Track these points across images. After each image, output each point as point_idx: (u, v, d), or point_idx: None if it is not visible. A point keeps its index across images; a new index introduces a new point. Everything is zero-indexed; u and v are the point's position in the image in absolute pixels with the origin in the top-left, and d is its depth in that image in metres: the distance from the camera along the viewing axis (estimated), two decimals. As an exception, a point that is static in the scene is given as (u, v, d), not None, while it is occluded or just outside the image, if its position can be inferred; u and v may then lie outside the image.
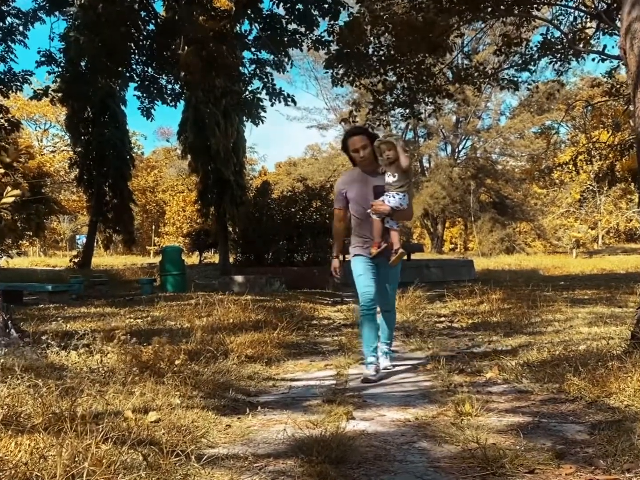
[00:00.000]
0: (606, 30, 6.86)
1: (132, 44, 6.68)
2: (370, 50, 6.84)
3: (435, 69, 7.14)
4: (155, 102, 7.32)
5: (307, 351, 2.98)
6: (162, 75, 7.23)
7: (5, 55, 7.53)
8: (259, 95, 7.24)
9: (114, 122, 12.93)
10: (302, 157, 33.19)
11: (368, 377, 2.21)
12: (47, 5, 6.79)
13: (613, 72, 8.02)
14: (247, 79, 7.26)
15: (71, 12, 7.78)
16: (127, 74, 7.09)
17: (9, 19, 7.21)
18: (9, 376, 1.73)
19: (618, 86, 8.27)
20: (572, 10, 7.14)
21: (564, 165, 11.76)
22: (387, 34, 6.57)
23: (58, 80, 7.83)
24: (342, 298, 6.04)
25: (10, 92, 7.96)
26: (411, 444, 1.45)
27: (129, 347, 2.25)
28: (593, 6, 6.80)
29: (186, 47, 5.98)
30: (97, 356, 2.25)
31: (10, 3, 7.16)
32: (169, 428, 1.45)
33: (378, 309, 2.35)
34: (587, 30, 7.17)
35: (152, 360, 2.11)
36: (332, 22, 6.64)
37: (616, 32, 6.33)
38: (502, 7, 6.19)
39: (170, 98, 7.35)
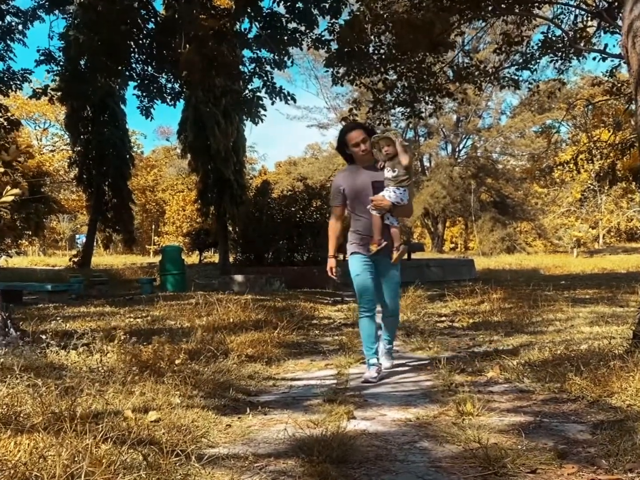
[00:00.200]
0: (607, 28, 6.85)
1: (132, 43, 6.66)
2: (371, 49, 6.83)
3: (436, 68, 7.12)
4: (155, 101, 7.31)
5: (308, 351, 2.98)
6: (161, 74, 7.21)
7: (4, 54, 7.51)
8: (258, 94, 7.23)
9: (113, 121, 12.92)
10: (302, 157, 33.24)
11: (369, 379, 2.19)
12: (47, 3, 6.77)
13: (614, 71, 8.00)
14: (247, 77, 7.25)
15: (71, 11, 7.76)
16: (127, 73, 7.07)
17: (8, 17, 7.19)
18: (9, 375, 1.73)
19: (619, 85, 8.25)
20: (573, 9, 7.12)
21: (564, 165, 11.75)
22: (387, 32, 6.56)
23: (57, 79, 7.81)
24: (342, 297, 6.04)
25: (9, 91, 7.94)
26: (412, 444, 1.45)
27: (129, 346, 2.24)
28: (594, 5, 6.78)
29: (187, 46, 5.97)
30: (97, 356, 2.25)
31: (10, 2, 7.14)
32: (169, 428, 1.44)
33: (378, 308, 2.32)
34: (588, 29, 7.15)
35: (152, 360, 2.10)
36: (332, 21, 6.62)
37: (617, 30, 6.32)
38: (502, 5, 6.17)
39: (169, 97, 7.33)
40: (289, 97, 7.15)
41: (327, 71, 7.23)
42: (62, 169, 22.74)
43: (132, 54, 6.90)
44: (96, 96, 8.66)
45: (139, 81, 7.17)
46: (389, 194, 2.18)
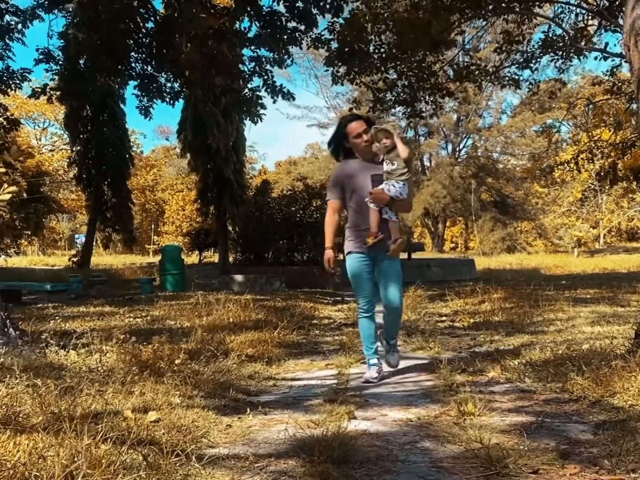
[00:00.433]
0: (608, 27, 6.83)
1: (132, 42, 6.64)
2: (371, 48, 6.81)
3: (436, 67, 7.11)
4: (154, 100, 7.30)
5: (308, 350, 2.97)
6: (161, 73, 7.19)
7: (4, 53, 7.49)
8: (258, 93, 7.22)
9: (113, 121, 12.91)
10: (302, 156, 33.26)
11: (369, 379, 2.17)
12: (46, 2, 6.75)
13: (615, 70, 7.99)
14: (247, 76, 7.23)
15: (70, 10, 7.74)
16: (127, 72, 7.06)
17: (7, 16, 7.17)
18: (8, 375, 1.72)
19: (620, 84, 8.24)
20: (574, 8, 7.10)
21: (565, 164, 11.74)
22: (388, 31, 6.54)
23: (56, 78, 7.79)
24: (342, 297, 6.03)
25: (9, 90, 7.92)
26: (413, 444, 1.44)
27: (129, 346, 2.23)
28: (595, 3, 6.76)
29: (188, 45, 5.95)
30: (96, 355, 2.24)
31: (9, 1, 7.12)
32: (169, 428, 1.44)
33: (379, 308, 2.29)
34: (589, 28, 7.13)
35: (152, 360, 2.09)
36: (333, 20, 6.61)
37: (618, 29, 6.30)
38: (503, 4, 6.16)
39: (169, 96, 7.32)
40: (288, 96, 7.14)
41: (327, 70, 7.22)
42: (62, 169, 22.75)
43: (132, 53, 6.89)
44: (95, 95, 8.65)
45: (138, 80, 7.16)
46: (388, 188, 2.12)
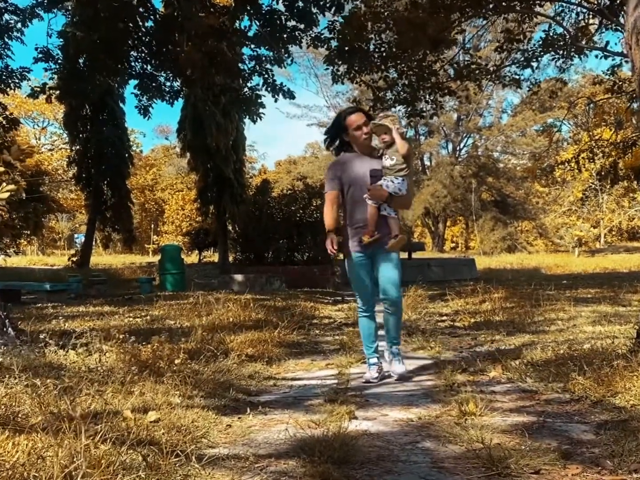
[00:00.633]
0: (609, 26, 6.82)
1: (131, 41, 6.63)
2: (372, 47, 6.80)
3: (437, 66, 7.09)
4: (154, 99, 7.28)
5: (308, 350, 2.96)
6: (161, 72, 7.18)
7: (2, 52, 7.47)
8: (257, 92, 7.20)
9: (112, 120, 12.89)
10: (302, 155, 33.28)
11: (370, 379, 2.16)
12: (45, 1, 6.74)
13: (615, 69, 7.98)
14: (246, 75, 7.22)
15: (69, 8, 7.72)
16: (126, 71, 7.04)
17: (6, 15, 7.15)
18: (7, 376, 1.71)
19: (620, 83, 8.23)
20: (575, 7, 7.09)
21: (566, 164, 11.74)
22: (388, 30, 6.53)
23: (56, 77, 7.78)
24: (342, 297, 6.03)
25: (8, 89, 7.90)
26: (415, 444, 1.43)
27: (128, 346, 2.22)
28: (596, 2, 6.75)
29: (189, 44, 5.94)
30: (96, 355, 2.24)
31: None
32: (168, 428, 1.43)
33: (379, 307, 2.28)
34: (589, 27, 7.12)
35: (152, 360, 2.09)
36: (333, 20, 6.59)
37: (619, 28, 6.29)
38: (503, 3, 6.14)
39: (168, 95, 7.31)
40: (289, 94, 7.13)
41: (327, 69, 7.20)
42: (61, 168, 22.74)
43: (131, 52, 6.87)
44: (95, 95, 8.63)
45: (138, 80, 7.14)
46: (386, 184, 2.06)
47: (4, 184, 1.74)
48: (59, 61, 7.35)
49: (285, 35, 6.72)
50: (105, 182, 13.14)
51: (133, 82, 7.34)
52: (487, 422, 1.56)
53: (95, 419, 1.37)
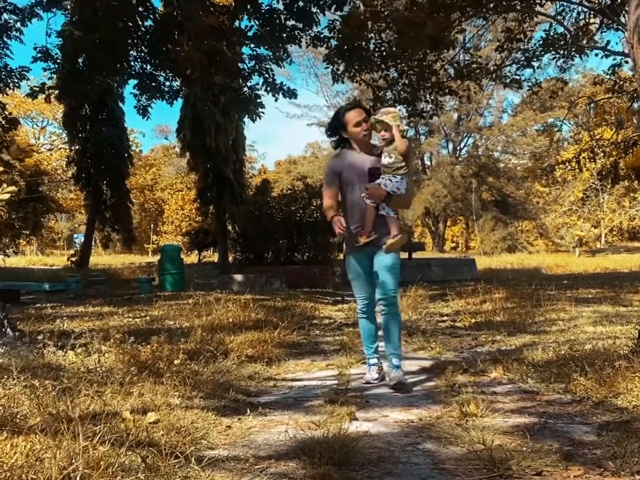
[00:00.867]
0: (610, 25, 6.80)
1: (130, 40, 6.61)
2: (372, 47, 6.79)
3: (437, 66, 7.08)
4: (153, 99, 7.27)
5: (308, 351, 2.96)
6: (160, 71, 7.16)
7: (1, 51, 7.46)
8: (257, 92, 7.19)
9: (111, 120, 12.88)
10: (302, 155, 33.25)
11: (370, 380, 2.15)
12: (44, 1, 6.72)
13: (616, 68, 7.97)
14: (246, 74, 7.21)
15: (68, 8, 7.70)
16: (126, 71, 7.03)
17: (5, 14, 7.14)
18: (5, 376, 1.70)
19: (621, 83, 8.22)
20: (576, 6, 7.07)
21: (566, 163, 11.74)
22: (388, 30, 6.52)
23: (55, 77, 7.77)
24: (342, 297, 6.02)
25: (7, 88, 7.89)
26: (415, 446, 1.43)
27: (127, 346, 2.22)
28: (597, 1, 6.73)
29: (188, 43, 5.92)
30: (95, 356, 2.23)
31: (7, -1, 7.09)
32: (168, 429, 1.42)
33: (379, 308, 2.26)
34: (590, 26, 7.11)
35: (151, 360, 2.08)
36: (332, 19, 6.58)
37: (620, 27, 6.27)
38: (504, 2, 6.13)
39: (168, 95, 7.30)
40: (290, 93, 7.12)
41: (327, 68, 7.18)
42: (60, 168, 22.72)
43: (131, 52, 6.86)
44: (94, 94, 8.62)
45: (137, 79, 7.13)
46: (384, 182, 2.01)
47: (4, 185, 1.73)
48: (58, 61, 7.33)
49: (284, 35, 6.71)
50: (105, 182, 13.13)
51: (132, 81, 7.34)
52: (488, 423, 1.55)
53: (94, 420, 1.37)
